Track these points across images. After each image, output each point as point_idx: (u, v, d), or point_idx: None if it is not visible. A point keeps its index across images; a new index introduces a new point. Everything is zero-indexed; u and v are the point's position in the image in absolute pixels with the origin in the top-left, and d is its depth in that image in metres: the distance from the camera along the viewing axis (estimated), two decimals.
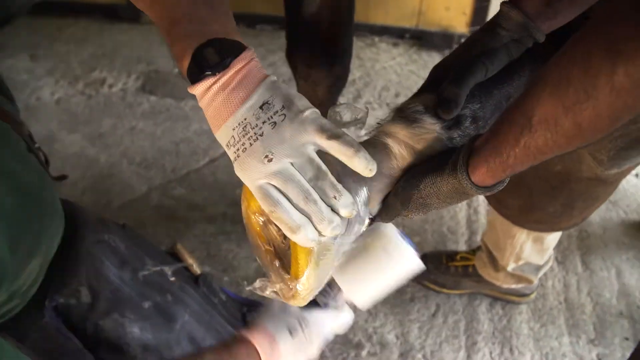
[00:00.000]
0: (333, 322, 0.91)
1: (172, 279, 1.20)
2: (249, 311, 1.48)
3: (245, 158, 0.57)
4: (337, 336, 1.61)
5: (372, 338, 1.60)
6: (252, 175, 0.58)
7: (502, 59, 0.69)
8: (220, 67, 0.57)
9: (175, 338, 1.17)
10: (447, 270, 1.68)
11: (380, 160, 0.66)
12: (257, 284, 0.68)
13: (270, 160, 0.56)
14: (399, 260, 0.78)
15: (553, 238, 1.48)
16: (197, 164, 2.09)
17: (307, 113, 0.57)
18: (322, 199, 0.57)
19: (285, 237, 0.64)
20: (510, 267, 1.53)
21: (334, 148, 0.57)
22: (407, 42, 2.72)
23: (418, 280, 1.72)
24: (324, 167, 0.58)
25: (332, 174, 0.58)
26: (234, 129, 0.58)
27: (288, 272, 0.65)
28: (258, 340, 0.83)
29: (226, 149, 0.60)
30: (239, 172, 0.59)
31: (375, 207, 0.69)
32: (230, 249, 1.81)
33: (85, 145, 2.16)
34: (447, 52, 2.64)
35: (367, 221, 0.67)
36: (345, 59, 1.38)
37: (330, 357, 1.55)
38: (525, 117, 0.54)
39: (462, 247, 1.82)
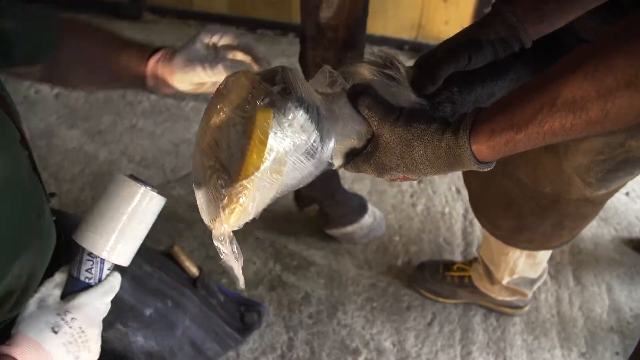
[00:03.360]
0: (100, 296, 0.84)
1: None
2: (247, 310, 1.48)
3: None
4: (334, 341, 1.65)
5: (369, 344, 1.62)
6: None
7: (486, 54, 0.72)
8: None
9: (177, 344, 1.16)
10: (444, 280, 1.70)
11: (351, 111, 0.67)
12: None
13: None
14: (131, 200, 0.84)
15: (545, 253, 1.51)
16: None
17: None
18: None
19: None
20: (505, 280, 1.56)
21: None
22: (406, 54, 2.75)
23: (414, 288, 1.74)
24: None
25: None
26: None
27: (232, 182, 0.64)
28: (21, 352, 0.74)
29: None
30: None
31: (338, 160, 0.69)
32: None
33: (85, 141, 2.14)
34: None
35: (326, 162, 0.67)
36: None
37: None
38: (549, 96, 0.54)
39: (457, 257, 1.85)
